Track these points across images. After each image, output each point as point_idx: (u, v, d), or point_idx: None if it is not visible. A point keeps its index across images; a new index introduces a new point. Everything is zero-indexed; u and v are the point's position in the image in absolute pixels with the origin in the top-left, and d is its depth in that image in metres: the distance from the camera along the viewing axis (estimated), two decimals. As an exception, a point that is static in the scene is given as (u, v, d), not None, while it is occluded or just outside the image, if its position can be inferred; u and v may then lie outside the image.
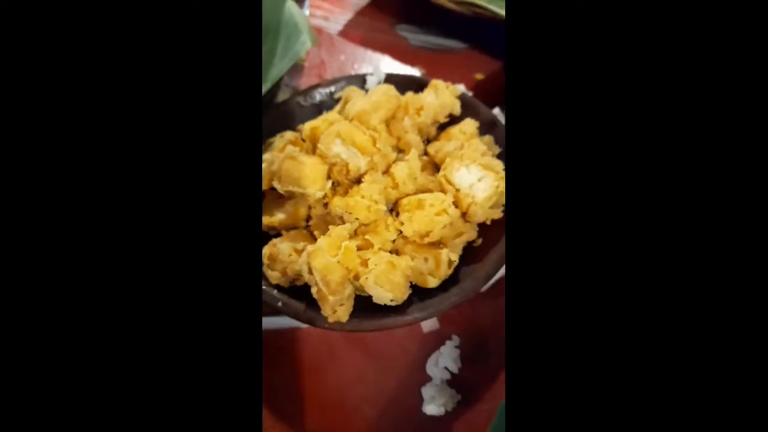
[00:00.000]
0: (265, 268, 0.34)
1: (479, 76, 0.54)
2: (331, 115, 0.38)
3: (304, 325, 0.38)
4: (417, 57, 0.57)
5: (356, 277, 0.31)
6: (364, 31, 0.60)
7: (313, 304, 0.32)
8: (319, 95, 0.44)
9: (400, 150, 0.39)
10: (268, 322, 0.39)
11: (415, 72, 0.55)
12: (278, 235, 0.36)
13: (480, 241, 0.36)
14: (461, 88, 0.42)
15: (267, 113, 0.42)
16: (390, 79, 0.44)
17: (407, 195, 0.35)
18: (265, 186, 0.37)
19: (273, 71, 0.43)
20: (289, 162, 0.34)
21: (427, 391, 0.34)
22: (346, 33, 0.60)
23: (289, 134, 0.39)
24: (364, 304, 0.32)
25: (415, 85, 0.42)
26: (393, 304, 0.31)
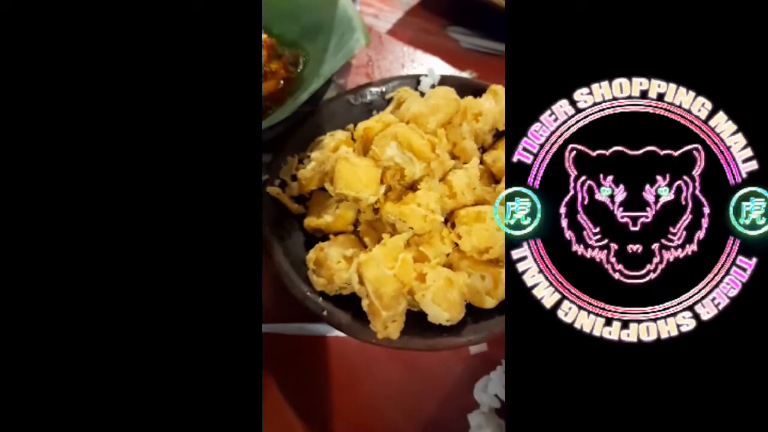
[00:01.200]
0: (310, 273, 0.32)
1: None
2: (385, 116, 0.36)
3: (342, 333, 0.36)
4: (468, 60, 0.54)
5: (410, 292, 0.29)
6: (414, 31, 0.58)
7: (359, 315, 0.30)
8: (369, 94, 0.42)
9: (455, 157, 0.37)
10: (303, 329, 0.37)
11: (465, 75, 0.53)
12: (324, 238, 0.34)
13: (539, 260, 0.33)
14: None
15: (316, 111, 0.40)
16: (445, 81, 0.42)
17: (464, 206, 0.33)
18: (314, 186, 0.35)
19: (325, 68, 0.41)
20: (343, 163, 0.32)
21: (474, 419, 0.32)
22: (395, 32, 0.58)
23: (339, 133, 0.37)
24: (413, 321, 0.30)
25: (471, 90, 0.40)
26: (448, 324, 0.29)
